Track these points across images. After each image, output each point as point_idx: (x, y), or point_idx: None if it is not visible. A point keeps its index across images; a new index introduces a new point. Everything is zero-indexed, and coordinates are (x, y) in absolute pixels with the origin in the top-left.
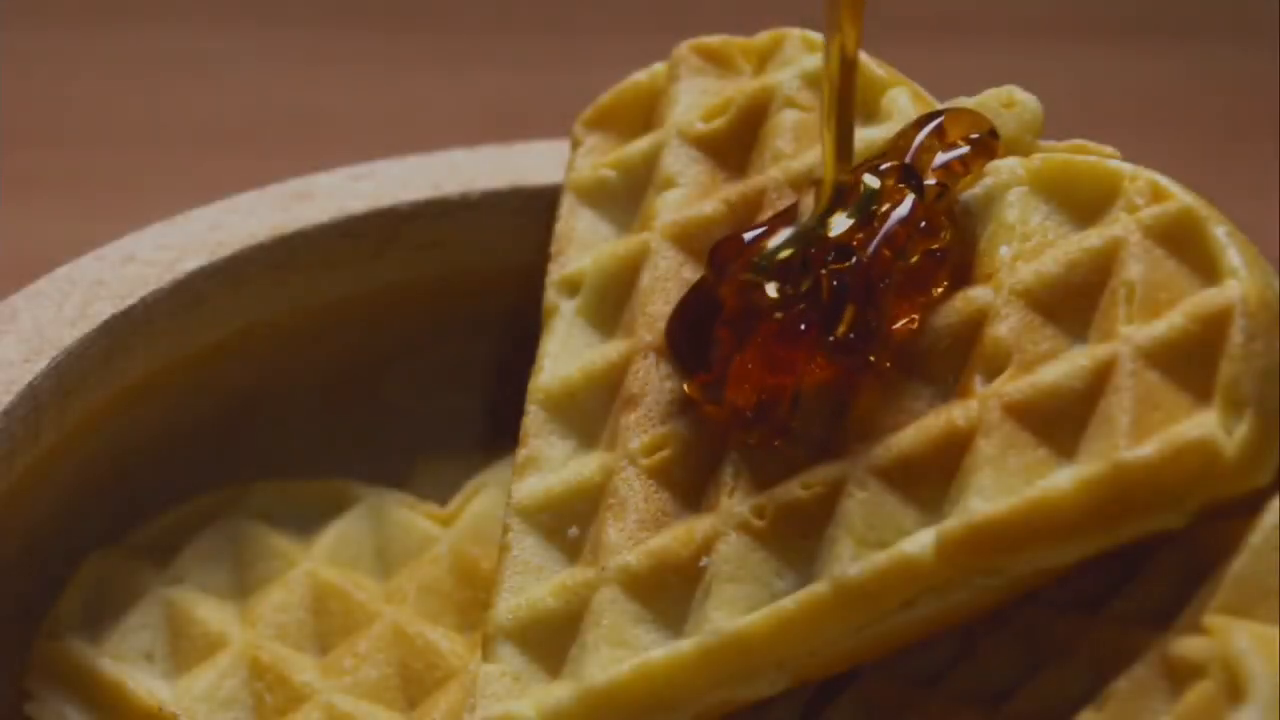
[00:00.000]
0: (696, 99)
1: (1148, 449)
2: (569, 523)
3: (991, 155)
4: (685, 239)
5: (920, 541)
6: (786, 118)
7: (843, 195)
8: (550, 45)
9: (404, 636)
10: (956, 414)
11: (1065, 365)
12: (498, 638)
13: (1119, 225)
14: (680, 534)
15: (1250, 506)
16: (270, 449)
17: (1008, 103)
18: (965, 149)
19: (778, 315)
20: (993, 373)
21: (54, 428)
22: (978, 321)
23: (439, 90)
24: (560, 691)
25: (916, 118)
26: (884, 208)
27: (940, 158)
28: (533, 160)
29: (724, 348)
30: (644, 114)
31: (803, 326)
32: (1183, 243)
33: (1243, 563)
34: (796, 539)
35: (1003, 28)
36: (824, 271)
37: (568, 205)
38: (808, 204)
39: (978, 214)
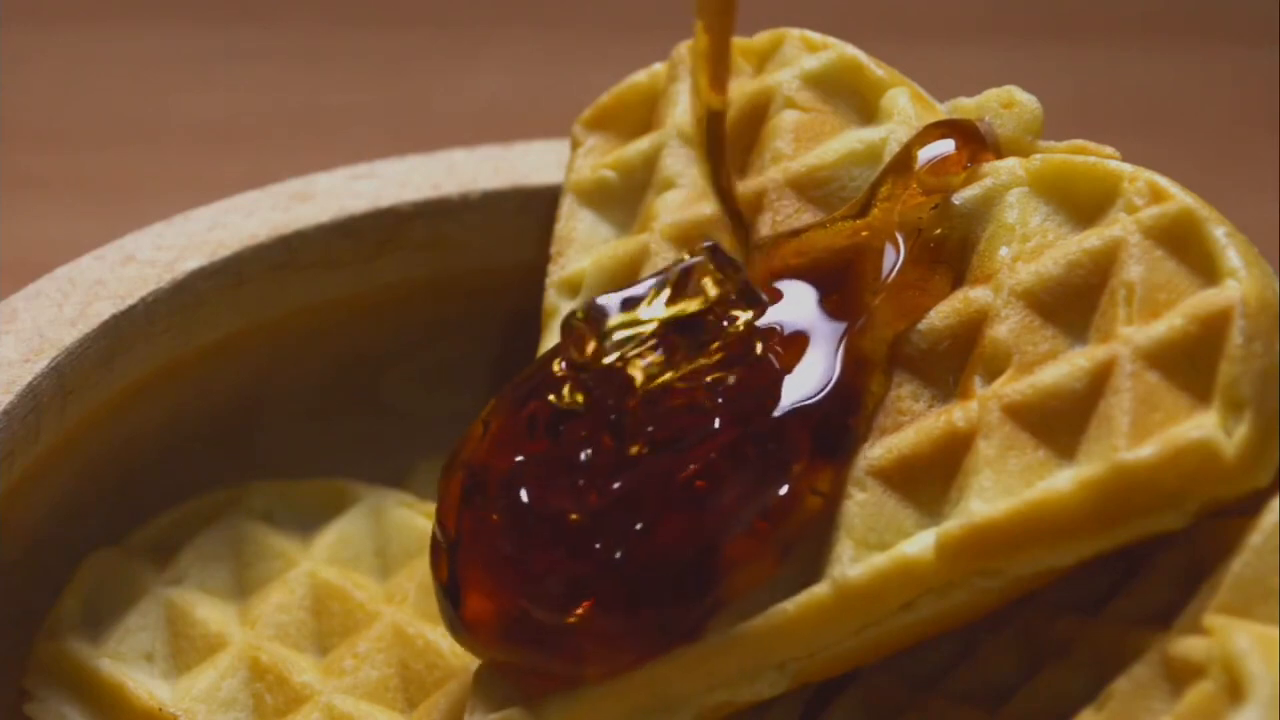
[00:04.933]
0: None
1: (1148, 450)
2: None
3: (983, 156)
4: (685, 240)
5: (920, 543)
6: (786, 118)
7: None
8: (550, 45)
9: (404, 636)
10: (956, 415)
11: (1065, 366)
12: None
13: (1119, 226)
14: None
15: (1250, 506)
16: (270, 448)
17: (1008, 103)
18: (954, 149)
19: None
20: (993, 374)
21: (54, 428)
22: (977, 322)
23: (439, 90)
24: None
25: (918, 132)
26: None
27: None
28: (533, 160)
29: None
30: (644, 114)
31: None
32: (1182, 243)
33: (1243, 563)
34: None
35: (1003, 28)
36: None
37: (568, 206)
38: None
39: (978, 214)
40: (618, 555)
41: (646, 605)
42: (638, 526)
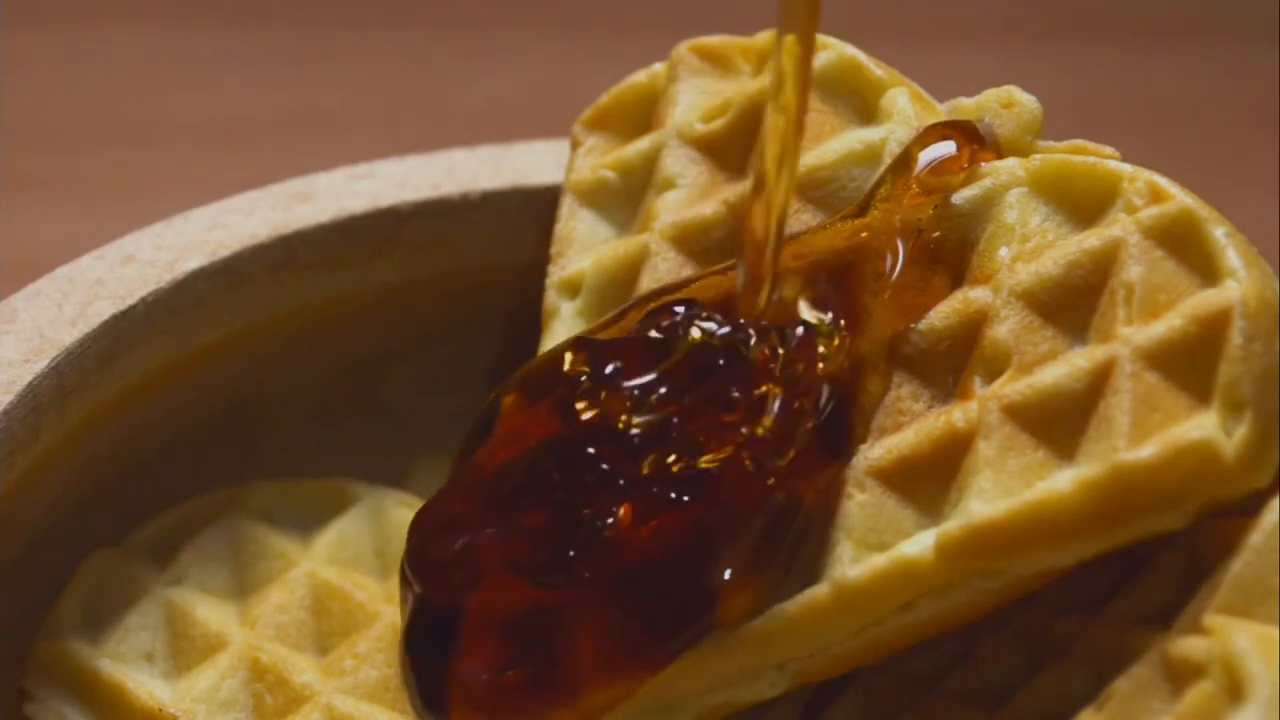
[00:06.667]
0: (696, 100)
1: (1147, 450)
2: None
3: (983, 157)
4: (685, 240)
5: (920, 544)
6: None
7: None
8: (550, 45)
9: None
10: (956, 416)
11: (1065, 367)
12: None
13: (1118, 226)
14: None
15: (1250, 506)
16: (270, 449)
17: (1008, 103)
18: (954, 150)
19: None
20: (992, 374)
21: (54, 428)
22: (977, 323)
23: (439, 90)
24: None
25: (918, 134)
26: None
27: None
28: (533, 160)
29: None
30: (644, 115)
31: None
32: (1182, 243)
33: (1243, 563)
34: None
35: (1003, 28)
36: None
37: (567, 207)
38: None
39: (977, 215)
40: (616, 587)
41: (649, 636)
42: (636, 551)
